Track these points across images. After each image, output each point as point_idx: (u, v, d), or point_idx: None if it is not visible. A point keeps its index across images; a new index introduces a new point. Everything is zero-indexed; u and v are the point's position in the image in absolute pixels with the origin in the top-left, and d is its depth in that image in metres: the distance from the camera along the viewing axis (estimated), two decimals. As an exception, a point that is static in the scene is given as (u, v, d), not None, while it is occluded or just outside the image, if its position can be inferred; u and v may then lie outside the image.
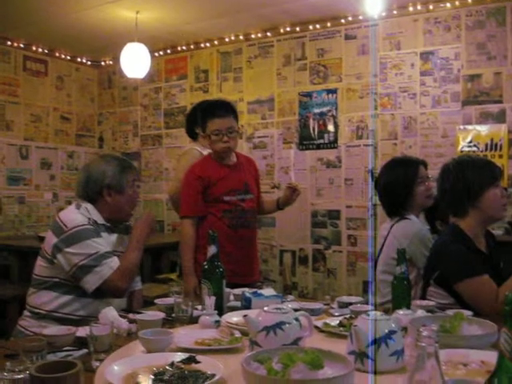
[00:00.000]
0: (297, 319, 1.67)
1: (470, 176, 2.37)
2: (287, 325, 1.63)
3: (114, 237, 2.54)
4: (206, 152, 3.67)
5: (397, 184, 2.89)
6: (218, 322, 1.98)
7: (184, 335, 1.84)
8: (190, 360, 1.55)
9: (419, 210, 2.97)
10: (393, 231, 2.87)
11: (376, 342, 1.51)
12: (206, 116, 3.10)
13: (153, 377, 1.44)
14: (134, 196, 2.57)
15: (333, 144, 5.35)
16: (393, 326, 1.57)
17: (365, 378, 1.47)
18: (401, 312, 1.88)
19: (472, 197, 2.36)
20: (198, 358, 1.56)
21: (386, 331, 1.54)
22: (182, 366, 1.51)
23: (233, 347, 1.73)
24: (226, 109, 3.11)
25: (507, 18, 4.65)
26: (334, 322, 1.96)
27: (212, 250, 2.19)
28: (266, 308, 1.70)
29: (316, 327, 1.92)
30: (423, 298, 2.47)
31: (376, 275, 2.93)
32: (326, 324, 1.94)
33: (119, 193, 2.50)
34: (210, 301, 2.04)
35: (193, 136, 3.98)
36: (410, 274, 2.62)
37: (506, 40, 4.66)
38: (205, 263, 2.21)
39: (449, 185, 2.44)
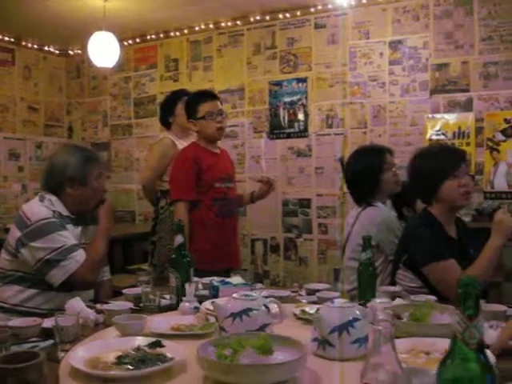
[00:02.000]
0: (266, 306, 1.68)
1: (427, 168, 2.42)
2: (254, 311, 1.64)
3: (79, 229, 2.50)
4: (179, 142, 3.68)
5: (364, 172, 2.92)
6: (197, 308, 2.00)
7: (162, 321, 1.87)
8: (155, 344, 1.59)
9: (386, 197, 3.00)
10: (360, 218, 2.90)
11: (338, 329, 1.50)
12: (197, 101, 3.20)
13: (114, 359, 1.48)
14: (99, 188, 2.52)
15: (303, 133, 5.37)
16: (356, 313, 1.56)
17: (327, 365, 1.49)
18: (377, 300, 1.88)
19: (431, 188, 2.41)
20: (165, 342, 1.60)
21: (349, 318, 1.53)
22: (147, 350, 1.54)
23: (204, 333, 1.74)
24: (214, 94, 3.34)
25: (474, 7, 4.70)
26: (313, 309, 1.96)
27: (179, 239, 2.19)
28: (234, 295, 1.72)
29: (294, 314, 1.95)
30: (392, 281, 2.51)
31: (343, 262, 2.97)
32: (303, 311, 1.96)
33: (82, 185, 2.45)
34: (190, 288, 2.06)
35: (166, 125, 3.95)
36: (377, 260, 2.67)
37: (474, 29, 4.71)
38: (172, 252, 2.22)
39: (411, 175, 2.49)
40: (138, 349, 1.55)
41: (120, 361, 1.47)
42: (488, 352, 0.95)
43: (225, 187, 3.24)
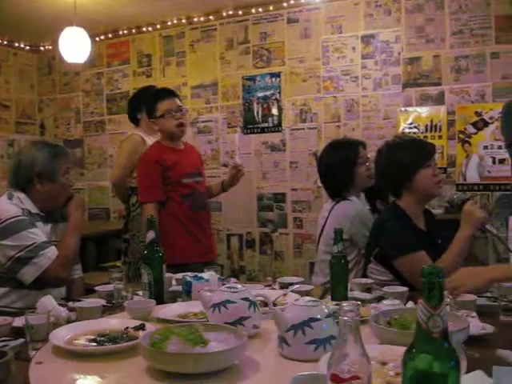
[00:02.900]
0: (247, 299, 1.69)
1: (400, 159, 2.43)
2: (232, 304, 1.66)
3: (48, 227, 2.47)
4: (148, 138, 3.66)
5: (338, 165, 2.92)
6: None
7: (176, 308, 1.99)
8: (139, 327, 1.71)
9: (360, 191, 3.02)
10: (333, 212, 2.91)
11: (293, 327, 1.47)
12: (155, 100, 3.19)
13: (93, 337, 1.65)
14: (67, 184, 2.49)
15: (277, 127, 5.38)
16: (318, 313, 1.50)
17: (279, 363, 1.48)
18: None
19: (404, 179, 2.43)
20: (149, 326, 1.71)
21: (305, 318, 1.48)
22: (130, 331, 1.68)
23: (198, 321, 1.76)
24: (171, 92, 3.29)
25: (445, 1, 4.76)
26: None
27: (151, 235, 2.18)
28: (222, 287, 1.79)
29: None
30: (364, 274, 2.53)
31: (318, 256, 2.98)
32: None
33: (51, 181, 2.42)
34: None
35: (134, 121, 3.93)
36: (351, 254, 2.69)
37: (444, 23, 4.76)
38: (144, 248, 2.21)
39: (382, 168, 2.51)
40: (126, 329, 1.70)
41: (95, 339, 1.64)
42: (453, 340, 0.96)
43: (193, 182, 3.22)
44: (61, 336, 1.66)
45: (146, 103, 3.35)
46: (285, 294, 2.06)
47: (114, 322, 1.83)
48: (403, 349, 0.90)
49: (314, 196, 5.14)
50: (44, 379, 1.42)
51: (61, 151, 2.52)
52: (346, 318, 0.90)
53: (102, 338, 1.63)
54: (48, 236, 2.42)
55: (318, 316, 1.49)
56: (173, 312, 1.92)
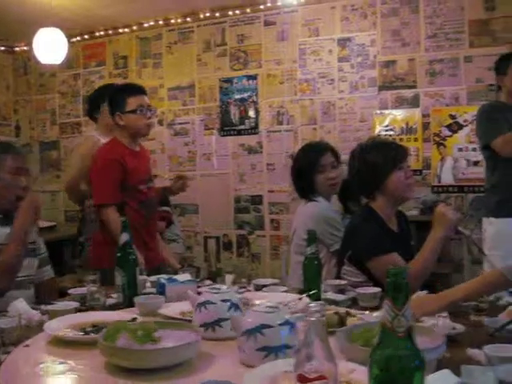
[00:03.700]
0: (227, 301, 1.70)
1: (373, 161, 2.45)
2: (211, 305, 1.69)
3: (7, 229, 2.33)
4: (105, 140, 3.47)
5: (301, 170, 2.95)
6: None
7: (181, 305, 1.99)
8: (132, 320, 1.77)
9: (326, 195, 3.03)
10: (300, 214, 2.94)
11: (246, 333, 1.46)
12: (125, 94, 3.04)
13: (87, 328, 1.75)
14: (14, 184, 2.36)
15: (254, 130, 5.39)
16: (273, 320, 1.46)
17: (234, 367, 1.47)
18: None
19: (377, 181, 2.45)
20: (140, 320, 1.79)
21: (257, 324, 1.45)
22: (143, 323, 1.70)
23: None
24: (143, 89, 3.16)
25: (420, 5, 4.81)
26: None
27: (124, 237, 2.17)
28: (206, 288, 1.85)
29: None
30: (338, 277, 2.54)
31: (291, 257, 3.00)
32: None
33: None
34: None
35: (90, 113, 3.79)
36: (320, 253, 2.70)
37: (419, 27, 4.81)
38: (118, 251, 2.19)
39: (355, 170, 2.53)
40: (133, 320, 1.77)
41: (84, 329, 1.74)
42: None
43: (147, 188, 3.13)
44: (57, 325, 1.78)
45: (112, 96, 3.13)
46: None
47: (114, 316, 1.89)
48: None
49: (291, 198, 5.15)
50: (16, 359, 1.57)
51: (8, 149, 2.42)
52: (312, 319, 0.91)
53: (90, 329, 1.73)
54: (7, 239, 2.30)
55: (271, 323, 1.45)
56: (177, 310, 1.94)
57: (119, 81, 5.85)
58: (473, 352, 1.51)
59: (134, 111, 2.99)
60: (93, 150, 3.37)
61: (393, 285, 0.90)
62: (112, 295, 2.23)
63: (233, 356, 1.49)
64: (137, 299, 2.03)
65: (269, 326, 1.44)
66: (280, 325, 1.45)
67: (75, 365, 1.50)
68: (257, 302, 1.89)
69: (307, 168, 2.92)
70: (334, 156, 2.99)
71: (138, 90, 3.09)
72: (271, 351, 1.41)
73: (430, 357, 1.32)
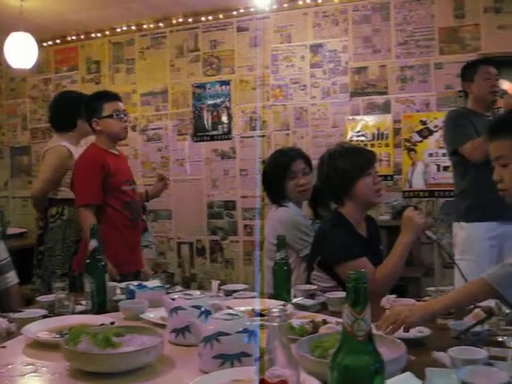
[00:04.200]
0: (197, 307, 1.71)
1: (341, 167, 2.46)
2: (182, 310, 1.70)
3: None
4: (75, 150, 3.53)
5: (271, 175, 2.96)
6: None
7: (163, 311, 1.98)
8: (111, 324, 1.82)
9: (296, 201, 3.03)
10: (270, 219, 2.94)
11: (204, 340, 1.46)
12: (102, 100, 3.15)
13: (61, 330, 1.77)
14: None
15: (227, 135, 5.40)
16: (230, 327, 1.46)
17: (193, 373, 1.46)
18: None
19: (346, 186, 2.46)
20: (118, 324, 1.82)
21: (215, 332, 1.45)
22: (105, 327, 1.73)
23: None
24: (118, 95, 3.28)
25: (391, 13, 4.87)
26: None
27: (93, 243, 2.15)
28: (180, 294, 1.91)
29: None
30: (308, 282, 2.55)
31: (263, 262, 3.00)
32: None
33: None
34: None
35: (66, 127, 3.67)
36: (289, 258, 2.71)
37: (390, 34, 4.88)
38: (87, 257, 2.18)
39: (324, 176, 2.54)
40: (101, 325, 1.78)
41: (61, 332, 1.75)
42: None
43: (131, 189, 3.21)
44: (36, 327, 1.83)
45: (88, 103, 3.22)
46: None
47: (94, 319, 1.92)
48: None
49: (265, 203, 5.16)
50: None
51: None
52: (273, 324, 0.91)
53: (67, 332, 1.70)
54: None
55: (229, 331, 1.45)
56: (158, 315, 1.95)
57: (92, 86, 5.84)
58: (438, 355, 1.53)
59: (110, 116, 3.10)
60: (63, 162, 3.45)
61: (353, 289, 0.91)
62: (81, 302, 2.21)
63: (195, 363, 1.49)
64: (121, 303, 2.06)
65: (226, 334, 1.43)
66: (238, 333, 1.44)
67: (42, 367, 1.53)
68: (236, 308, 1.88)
69: (278, 174, 2.93)
70: (305, 162, 3.00)
71: (113, 97, 3.21)
72: (227, 359, 1.41)
73: (393, 368, 1.32)
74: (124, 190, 3.14)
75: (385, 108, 4.89)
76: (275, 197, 2.97)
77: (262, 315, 1.74)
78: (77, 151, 3.46)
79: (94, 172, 3.05)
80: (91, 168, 3.06)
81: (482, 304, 1.93)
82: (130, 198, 3.17)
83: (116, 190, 3.10)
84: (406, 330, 1.67)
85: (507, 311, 1.78)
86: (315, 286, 2.34)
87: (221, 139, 5.42)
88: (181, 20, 5.52)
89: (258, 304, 2.00)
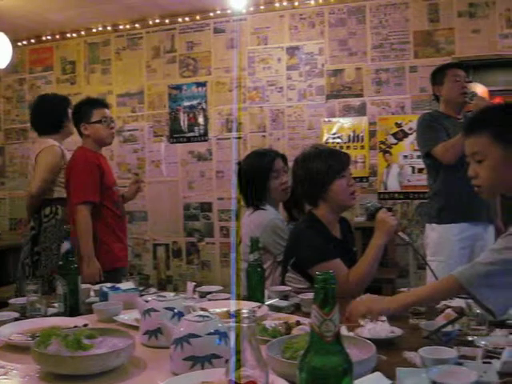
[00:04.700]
0: (170, 309, 1.70)
1: (316, 168, 2.46)
2: (154, 312, 1.70)
3: None
4: (65, 150, 3.66)
5: (252, 177, 2.94)
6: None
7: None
8: (84, 326, 1.80)
9: (278, 201, 3.04)
10: (248, 222, 2.93)
11: (175, 341, 1.45)
12: (92, 106, 3.33)
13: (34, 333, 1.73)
14: None
15: (203, 137, 5.40)
16: (201, 329, 1.44)
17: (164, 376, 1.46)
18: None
19: (320, 188, 2.47)
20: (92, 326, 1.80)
21: (185, 333, 1.44)
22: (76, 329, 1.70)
23: None
24: (106, 103, 3.51)
25: (367, 16, 4.91)
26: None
27: (66, 246, 2.13)
28: (154, 296, 1.85)
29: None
30: (282, 283, 2.55)
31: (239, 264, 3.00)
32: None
33: None
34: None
35: (50, 130, 3.71)
36: (266, 262, 2.72)
37: (366, 37, 4.92)
38: (59, 259, 2.16)
39: (298, 178, 2.54)
40: (74, 327, 1.75)
41: (33, 335, 1.72)
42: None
43: (117, 190, 3.40)
44: (9, 330, 1.81)
45: (78, 109, 3.41)
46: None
47: (67, 321, 1.89)
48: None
49: (241, 205, 5.16)
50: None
51: None
52: (242, 325, 0.92)
53: (38, 334, 1.68)
54: None
55: (199, 333, 1.43)
56: (133, 317, 1.94)
57: (67, 86, 5.80)
58: (409, 355, 1.54)
59: (98, 121, 3.28)
60: (57, 162, 3.54)
61: (321, 290, 0.91)
62: (54, 304, 2.19)
63: (166, 365, 1.49)
64: (95, 306, 2.06)
65: (196, 336, 1.42)
66: (208, 334, 1.43)
67: (12, 370, 1.52)
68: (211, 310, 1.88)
69: (262, 174, 2.92)
70: (283, 161, 3.03)
71: (102, 104, 3.41)
72: (197, 361, 1.40)
73: (363, 368, 1.34)
74: (114, 191, 3.34)
75: (360, 110, 4.92)
76: (255, 199, 2.95)
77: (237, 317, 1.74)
78: (67, 152, 3.60)
79: (92, 171, 3.20)
80: (89, 167, 3.21)
81: (453, 304, 1.96)
82: (118, 198, 3.38)
83: (108, 190, 3.27)
84: (375, 318, 1.71)
85: (478, 311, 1.80)
86: (289, 288, 2.34)
87: (197, 141, 5.41)
88: (157, 21, 5.50)
89: (232, 306, 2.00)
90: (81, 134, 3.35)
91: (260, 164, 2.95)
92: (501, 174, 1.73)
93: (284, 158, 3.06)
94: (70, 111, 3.64)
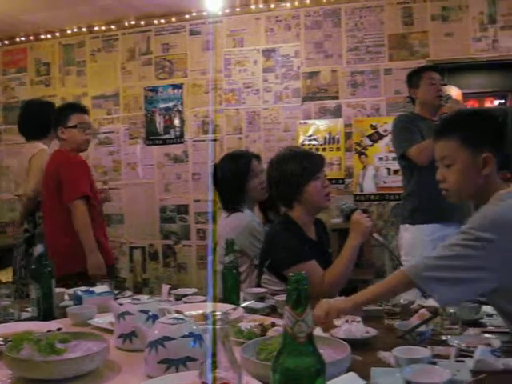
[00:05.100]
0: (145, 312, 1.69)
1: (291, 170, 2.47)
2: (129, 315, 1.69)
3: None
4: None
5: (230, 178, 2.94)
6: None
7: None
8: (58, 330, 1.77)
9: (255, 203, 3.05)
10: (224, 224, 2.93)
11: (149, 344, 1.44)
12: (70, 111, 3.32)
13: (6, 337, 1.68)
14: None
15: (179, 139, 5.38)
16: (175, 332, 1.43)
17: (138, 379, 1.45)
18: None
19: (295, 190, 2.48)
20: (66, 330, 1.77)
21: (160, 336, 1.43)
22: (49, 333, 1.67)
23: None
24: (86, 108, 3.47)
25: (342, 19, 4.94)
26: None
27: (39, 249, 2.11)
28: (128, 299, 1.86)
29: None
30: (258, 285, 2.56)
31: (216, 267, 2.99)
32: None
33: None
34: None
35: (40, 135, 3.83)
36: (243, 265, 2.73)
37: (341, 40, 4.95)
38: (32, 263, 2.14)
39: (273, 180, 2.55)
40: (48, 331, 1.71)
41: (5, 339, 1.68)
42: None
43: (98, 190, 3.48)
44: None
45: (58, 112, 3.42)
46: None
47: (41, 326, 1.86)
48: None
49: (218, 207, 5.15)
50: None
51: None
52: (216, 327, 0.91)
53: (10, 339, 1.66)
54: None
55: (174, 335, 1.42)
56: (107, 320, 1.92)
57: (41, 88, 5.75)
58: (383, 355, 1.56)
59: (74, 126, 3.26)
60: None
61: (293, 291, 0.92)
62: (27, 309, 2.16)
63: (141, 368, 1.48)
64: (69, 309, 2.04)
65: (171, 338, 1.41)
66: (183, 337, 1.42)
67: None
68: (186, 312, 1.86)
69: (239, 176, 2.93)
70: (258, 161, 3.06)
71: (81, 109, 3.40)
72: (172, 364, 1.39)
73: (337, 369, 1.35)
74: (97, 190, 3.40)
75: (336, 112, 4.95)
76: (232, 202, 2.96)
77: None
78: None
79: (82, 167, 3.25)
80: (79, 164, 3.25)
81: (427, 304, 1.98)
82: (100, 197, 3.46)
83: (94, 189, 3.31)
84: (332, 317, 1.75)
85: (451, 311, 1.82)
86: (265, 289, 2.35)
87: (173, 143, 5.39)
88: (133, 23, 5.47)
89: (208, 308, 1.99)
90: (59, 137, 3.34)
91: (237, 167, 2.96)
92: (468, 179, 1.76)
93: (259, 158, 3.08)
94: None
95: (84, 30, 5.64)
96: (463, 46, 4.64)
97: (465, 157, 1.74)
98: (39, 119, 3.86)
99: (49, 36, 5.79)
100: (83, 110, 3.39)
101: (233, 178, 2.93)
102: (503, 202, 1.67)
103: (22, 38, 5.90)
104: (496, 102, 5.68)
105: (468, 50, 4.64)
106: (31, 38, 5.86)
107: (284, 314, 0.93)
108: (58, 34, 5.76)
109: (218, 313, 0.95)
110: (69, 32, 5.70)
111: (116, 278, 5.21)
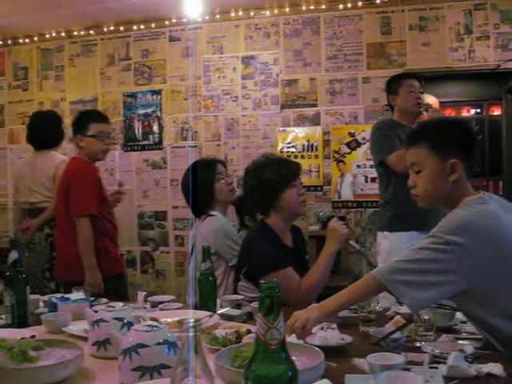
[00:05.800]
0: (120, 319, 1.69)
1: (266, 179, 2.49)
2: (103, 323, 1.68)
3: None
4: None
5: (199, 185, 2.96)
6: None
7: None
8: (32, 337, 1.73)
9: (225, 206, 3.10)
10: (199, 230, 2.95)
11: (123, 352, 1.43)
12: (91, 119, 3.26)
13: None
14: None
15: (158, 145, 5.37)
16: (149, 339, 1.42)
17: None
18: None
19: (271, 198, 2.49)
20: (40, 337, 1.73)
21: (134, 343, 1.42)
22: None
23: None
24: (107, 118, 3.43)
25: (321, 27, 4.98)
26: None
27: (13, 255, 2.08)
28: (103, 306, 1.87)
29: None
30: (235, 292, 2.56)
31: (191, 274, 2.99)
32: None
33: None
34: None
35: (54, 143, 3.94)
36: (219, 268, 2.75)
37: (320, 48, 4.99)
38: (7, 270, 2.11)
39: (249, 187, 2.56)
40: (22, 338, 1.68)
41: None
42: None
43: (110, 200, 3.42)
44: None
45: (77, 120, 3.36)
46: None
47: (14, 333, 1.83)
48: None
49: (190, 213, 5.14)
50: None
51: None
52: (186, 335, 0.92)
53: None
54: None
55: (148, 342, 1.42)
56: (82, 327, 1.91)
57: (19, 93, 5.71)
58: (358, 361, 1.56)
59: (93, 136, 3.21)
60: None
61: (266, 299, 0.92)
62: (1, 316, 2.14)
63: (115, 376, 1.47)
64: (43, 316, 2.02)
65: (145, 346, 1.40)
66: (157, 344, 1.42)
67: None
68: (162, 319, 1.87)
69: (205, 181, 2.98)
70: (223, 166, 3.15)
71: (102, 118, 3.35)
72: (146, 371, 1.38)
73: (311, 376, 1.35)
74: (108, 201, 3.32)
75: (315, 120, 4.98)
76: (200, 207, 2.98)
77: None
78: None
79: (93, 184, 3.16)
80: (90, 181, 3.17)
81: (402, 311, 2.00)
82: (112, 208, 3.38)
83: (105, 199, 3.26)
84: (309, 330, 1.73)
85: (426, 317, 1.84)
86: (242, 296, 2.35)
87: (152, 149, 5.38)
88: (112, 28, 5.45)
89: (183, 315, 1.99)
90: (77, 145, 3.28)
91: (204, 171, 3.02)
92: (437, 185, 1.81)
93: (223, 162, 3.20)
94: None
95: (63, 34, 5.60)
96: (440, 56, 4.71)
97: (433, 163, 1.79)
98: (54, 130, 3.96)
99: (27, 40, 5.74)
100: (104, 119, 3.35)
101: (201, 183, 2.97)
102: (471, 208, 1.71)
103: (0, 42, 5.84)
104: (472, 112, 5.75)
105: (445, 60, 4.70)
106: (9, 41, 5.80)
107: (256, 321, 0.93)
108: (36, 39, 5.71)
109: (191, 320, 0.95)
110: (47, 36, 5.65)
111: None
